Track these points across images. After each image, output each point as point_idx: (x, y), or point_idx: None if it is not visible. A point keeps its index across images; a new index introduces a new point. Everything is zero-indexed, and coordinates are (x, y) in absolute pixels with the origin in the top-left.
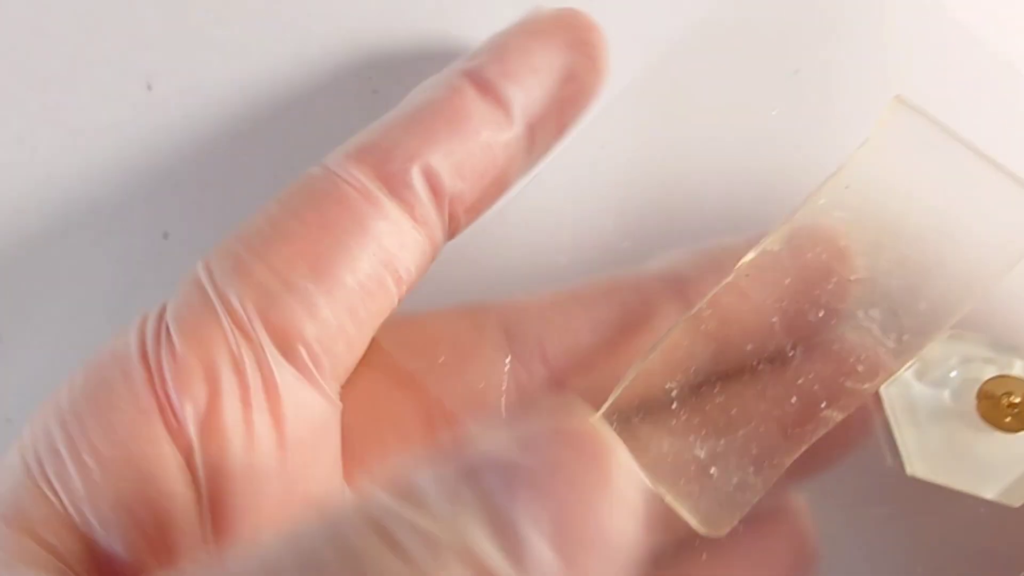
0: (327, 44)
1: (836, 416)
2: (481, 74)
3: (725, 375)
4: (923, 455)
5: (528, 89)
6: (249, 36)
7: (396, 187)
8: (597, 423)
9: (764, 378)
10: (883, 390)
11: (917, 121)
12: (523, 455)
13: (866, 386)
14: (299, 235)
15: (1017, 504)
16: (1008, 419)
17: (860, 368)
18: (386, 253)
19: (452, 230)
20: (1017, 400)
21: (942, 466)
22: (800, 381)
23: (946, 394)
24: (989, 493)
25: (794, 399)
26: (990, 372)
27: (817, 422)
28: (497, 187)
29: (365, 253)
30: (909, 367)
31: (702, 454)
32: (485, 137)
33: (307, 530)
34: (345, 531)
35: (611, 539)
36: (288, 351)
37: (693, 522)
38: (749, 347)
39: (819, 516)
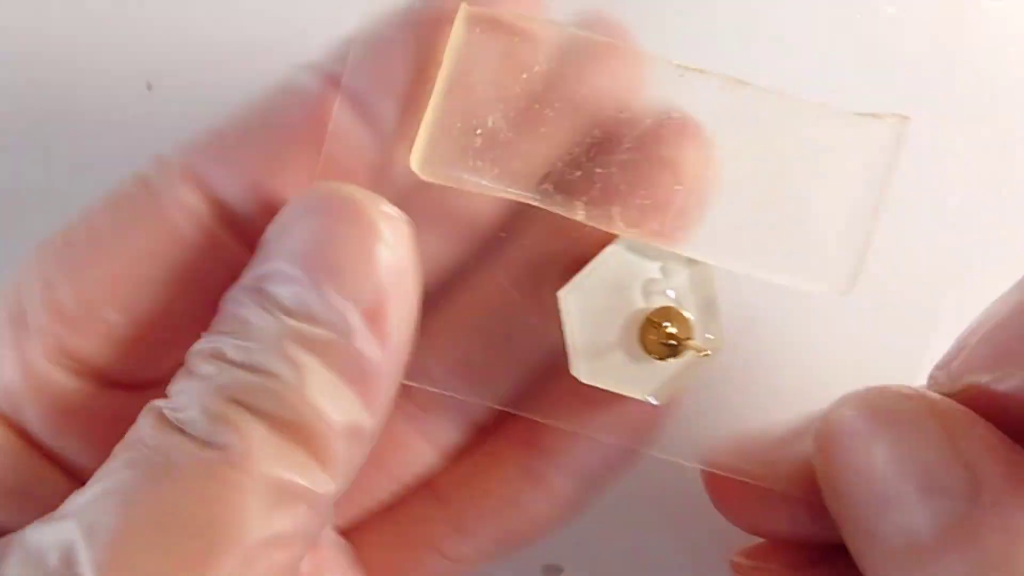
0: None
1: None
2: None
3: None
4: (587, 359)
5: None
6: (250, 36)
7: (233, 216)
8: (350, 192)
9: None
10: (561, 295)
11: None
12: (296, 245)
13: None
14: (116, 260)
15: (662, 403)
16: (658, 348)
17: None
18: (211, 292)
19: None
20: (671, 332)
21: (602, 372)
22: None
23: (618, 311)
24: (638, 395)
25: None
26: (661, 301)
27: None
28: None
29: (184, 290)
30: (587, 274)
31: (489, 123)
32: (340, 158)
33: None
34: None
35: (398, 278)
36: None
37: (417, 152)
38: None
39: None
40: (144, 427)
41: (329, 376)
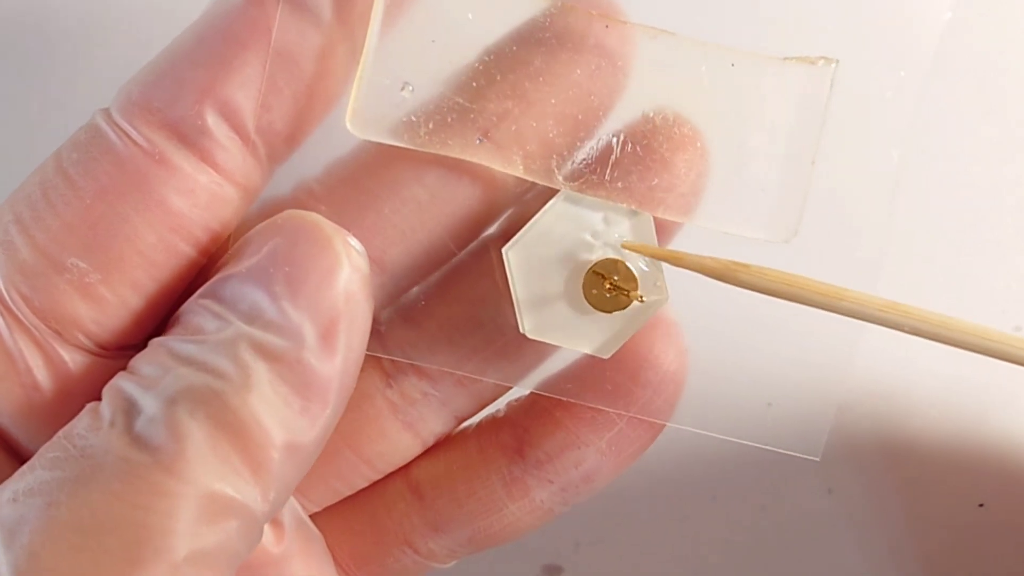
0: None
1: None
2: None
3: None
4: (532, 314)
5: None
6: None
7: (187, 135)
8: (317, 219)
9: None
10: (505, 251)
11: None
12: (258, 259)
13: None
14: (71, 205)
15: (607, 357)
16: (603, 300)
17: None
18: (174, 217)
19: (273, 163)
20: (616, 284)
21: (548, 327)
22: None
23: (562, 265)
24: (586, 348)
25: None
26: (605, 253)
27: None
28: (318, 103)
29: (145, 220)
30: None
31: (460, 100)
32: (289, 50)
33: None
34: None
35: (354, 304)
36: (65, 335)
37: (352, 103)
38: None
39: None
40: (77, 426)
41: (276, 388)
